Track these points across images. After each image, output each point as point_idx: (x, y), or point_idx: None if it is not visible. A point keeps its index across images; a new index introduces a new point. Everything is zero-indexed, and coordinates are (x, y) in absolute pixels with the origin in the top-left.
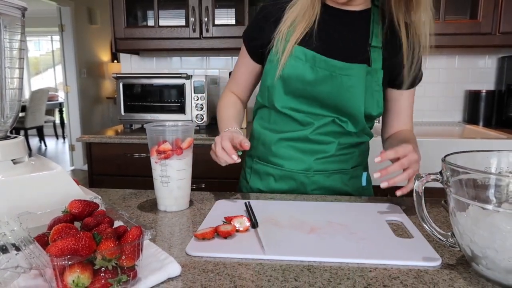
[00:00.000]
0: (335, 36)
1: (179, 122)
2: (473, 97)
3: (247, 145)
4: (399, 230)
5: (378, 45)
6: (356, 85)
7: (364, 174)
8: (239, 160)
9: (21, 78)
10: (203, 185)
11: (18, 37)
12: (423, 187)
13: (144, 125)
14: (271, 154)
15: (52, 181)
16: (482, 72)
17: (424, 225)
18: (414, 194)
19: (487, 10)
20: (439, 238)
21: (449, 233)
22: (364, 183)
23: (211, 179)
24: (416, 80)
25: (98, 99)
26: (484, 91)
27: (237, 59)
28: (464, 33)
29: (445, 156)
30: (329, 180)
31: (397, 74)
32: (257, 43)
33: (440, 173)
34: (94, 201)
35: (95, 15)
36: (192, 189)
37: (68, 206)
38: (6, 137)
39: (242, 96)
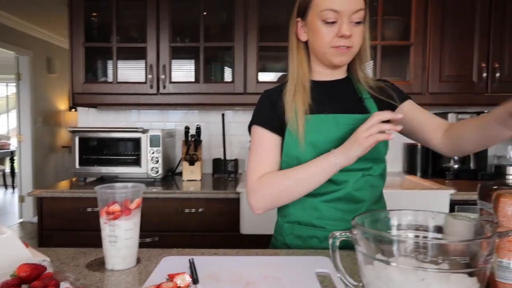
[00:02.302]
0: (334, 98)
1: (129, 184)
2: (410, 150)
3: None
4: (325, 282)
5: (367, 96)
6: None
7: None
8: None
9: None
10: (156, 238)
11: None
12: (338, 244)
13: (95, 188)
14: (314, 217)
15: (2, 245)
16: None
17: (339, 276)
18: (330, 250)
19: (417, 73)
20: None
21: (360, 284)
22: None
23: (165, 232)
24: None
25: (53, 148)
26: (419, 144)
27: (250, 150)
28: None
29: (354, 217)
30: None
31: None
32: (274, 122)
33: (351, 231)
34: (42, 263)
35: (54, 64)
36: (145, 243)
37: (17, 270)
38: None
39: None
